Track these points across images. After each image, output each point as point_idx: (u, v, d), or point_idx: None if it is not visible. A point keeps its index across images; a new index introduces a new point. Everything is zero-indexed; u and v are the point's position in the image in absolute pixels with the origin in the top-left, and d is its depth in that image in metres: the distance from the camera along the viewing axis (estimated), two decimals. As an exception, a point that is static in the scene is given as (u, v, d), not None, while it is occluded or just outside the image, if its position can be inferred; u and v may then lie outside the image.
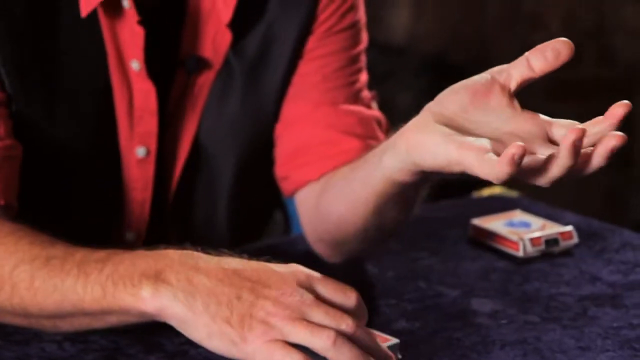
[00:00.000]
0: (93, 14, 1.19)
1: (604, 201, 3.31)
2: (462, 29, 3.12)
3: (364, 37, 1.32)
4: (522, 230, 1.30)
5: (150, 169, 1.25)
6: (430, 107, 0.99)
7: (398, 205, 1.12)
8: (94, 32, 1.20)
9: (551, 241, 1.28)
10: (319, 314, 0.93)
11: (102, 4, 1.18)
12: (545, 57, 0.97)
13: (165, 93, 1.25)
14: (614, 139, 0.94)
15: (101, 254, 1.01)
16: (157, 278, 0.96)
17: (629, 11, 3.24)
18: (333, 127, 1.27)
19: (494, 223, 1.32)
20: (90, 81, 1.21)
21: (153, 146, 1.24)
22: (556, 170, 0.93)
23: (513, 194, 1.52)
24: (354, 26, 1.30)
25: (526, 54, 0.98)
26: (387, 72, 2.82)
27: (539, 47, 0.97)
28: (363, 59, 1.32)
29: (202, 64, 1.25)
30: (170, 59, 1.25)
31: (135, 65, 1.21)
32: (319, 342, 0.91)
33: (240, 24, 1.25)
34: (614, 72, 3.27)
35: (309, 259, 1.25)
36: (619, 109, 0.96)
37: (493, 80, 0.98)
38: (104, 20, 1.19)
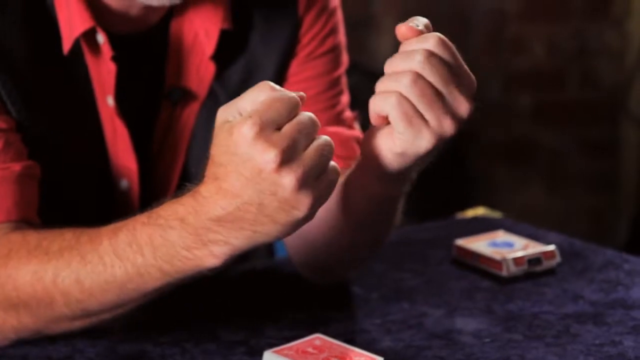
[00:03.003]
0: (78, 50, 1.20)
1: (589, 224, 3.32)
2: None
3: (345, 59, 1.34)
4: (505, 250, 1.31)
5: (133, 202, 1.26)
6: None
7: (380, 220, 1.14)
8: (80, 67, 1.21)
9: (534, 260, 1.29)
10: (303, 137, 0.95)
11: (84, 40, 1.20)
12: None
13: (151, 126, 1.26)
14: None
15: (125, 234, 1.03)
16: (204, 243, 0.98)
17: (611, 34, 3.27)
18: None
19: (478, 243, 1.33)
20: (83, 114, 1.23)
21: (134, 180, 1.25)
22: None
23: (496, 215, 1.54)
24: (335, 49, 1.32)
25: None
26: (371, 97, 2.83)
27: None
28: (344, 81, 1.34)
29: (187, 96, 1.26)
30: (154, 92, 1.26)
31: (110, 101, 1.22)
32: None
33: (223, 55, 1.26)
34: (597, 94, 3.29)
35: (295, 281, 1.26)
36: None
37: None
38: (87, 55, 1.21)
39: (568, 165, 3.30)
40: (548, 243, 1.34)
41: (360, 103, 1.39)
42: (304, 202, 0.94)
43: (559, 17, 3.24)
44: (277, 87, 0.97)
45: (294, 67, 1.30)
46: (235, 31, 1.26)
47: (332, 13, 1.32)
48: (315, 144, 0.95)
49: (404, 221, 1.28)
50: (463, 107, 1.03)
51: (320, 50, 1.30)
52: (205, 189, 0.98)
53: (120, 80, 1.21)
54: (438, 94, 1.01)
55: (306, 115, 0.96)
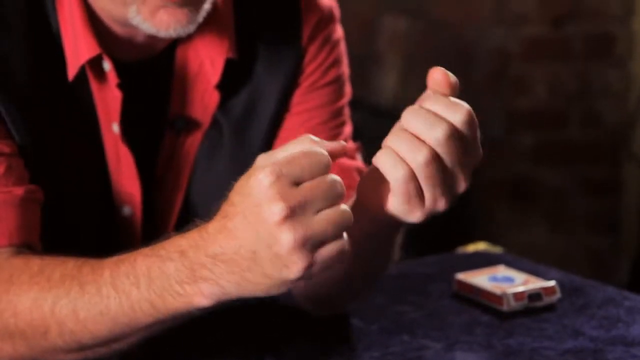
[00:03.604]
0: (83, 77, 1.21)
1: (590, 264, 3.32)
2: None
3: (348, 90, 1.35)
4: (505, 285, 1.31)
5: (136, 228, 1.26)
6: None
7: (376, 254, 1.14)
8: (85, 94, 1.22)
9: (534, 296, 1.29)
10: (318, 200, 0.93)
11: (89, 67, 1.20)
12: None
13: (154, 153, 1.26)
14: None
15: (126, 266, 1.02)
16: (195, 279, 0.97)
17: (613, 75, 3.28)
18: None
19: (478, 278, 1.33)
20: (86, 140, 1.23)
21: (137, 207, 1.25)
22: None
23: (497, 250, 1.54)
24: (338, 80, 1.33)
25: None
26: (376, 134, 2.84)
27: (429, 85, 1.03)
28: (347, 112, 1.34)
29: (191, 124, 1.27)
30: (159, 120, 1.27)
31: (115, 128, 1.23)
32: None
33: (227, 84, 1.27)
34: (599, 135, 3.30)
35: (295, 313, 1.26)
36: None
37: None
38: (92, 82, 1.21)
39: (569, 204, 3.30)
40: (548, 279, 1.34)
41: (363, 138, 1.40)
42: (297, 264, 0.92)
43: (562, 57, 3.25)
44: (317, 140, 0.96)
45: (297, 97, 1.30)
46: (240, 61, 1.27)
47: (335, 44, 1.33)
48: (330, 210, 0.93)
49: (405, 255, 1.28)
50: (462, 185, 1.02)
51: (324, 80, 1.31)
52: (212, 226, 0.97)
53: (125, 107, 1.22)
54: (445, 172, 1.01)
55: (331, 178, 0.94)
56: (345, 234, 0.94)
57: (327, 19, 1.33)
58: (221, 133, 1.28)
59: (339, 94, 1.34)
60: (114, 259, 1.05)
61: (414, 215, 1.01)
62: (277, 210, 0.92)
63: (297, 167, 0.93)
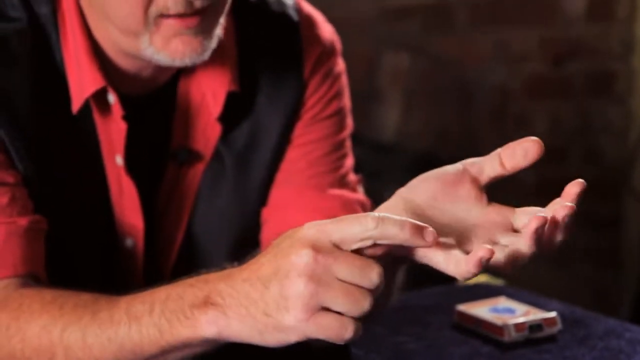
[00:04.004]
0: (87, 109, 1.22)
1: (592, 300, 3.31)
2: (450, 127, 3.16)
3: (349, 122, 1.35)
4: (506, 316, 1.31)
5: (138, 260, 1.26)
6: (401, 193, 1.00)
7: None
8: (89, 126, 1.22)
9: (535, 327, 1.29)
10: (345, 271, 0.90)
11: (93, 99, 1.21)
12: (514, 155, 0.99)
13: (156, 185, 1.27)
14: (563, 209, 0.96)
15: (145, 295, 1.02)
16: (206, 304, 0.96)
17: (614, 112, 3.29)
18: (317, 211, 1.29)
19: (479, 309, 1.33)
20: (90, 172, 1.24)
21: (140, 239, 1.25)
22: (519, 258, 0.95)
23: (498, 282, 1.54)
24: (339, 113, 1.33)
25: (498, 150, 1.00)
26: (377, 169, 2.85)
27: (510, 144, 0.99)
28: (348, 144, 1.35)
29: (193, 156, 1.27)
30: (161, 151, 1.27)
31: (119, 160, 1.23)
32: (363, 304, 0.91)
33: (229, 116, 1.28)
34: (600, 171, 3.30)
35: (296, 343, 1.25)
36: (574, 187, 0.98)
37: (465, 171, 1.00)
38: (96, 114, 1.22)
39: (571, 239, 3.29)
40: (549, 310, 1.34)
41: (365, 173, 1.41)
42: (296, 312, 0.91)
43: (562, 94, 3.26)
44: (381, 215, 0.91)
45: (299, 129, 1.31)
46: (242, 93, 1.28)
47: (337, 77, 1.34)
48: (352, 287, 0.90)
49: (405, 287, 1.28)
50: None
51: (325, 113, 1.32)
52: (246, 263, 0.97)
53: (128, 139, 1.22)
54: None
55: (373, 262, 0.91)
56: (355, 325, 0.92)
57: (328, 52, 1.34)
58: (223, 165, 1.29)
59: (341, 126, 1.34)
60: (133, 293, 1.04)
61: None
62: (304, 254, 0.91)
63: (340, 226, 0.91)
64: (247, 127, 1.29)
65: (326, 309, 0.91)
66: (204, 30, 1.17)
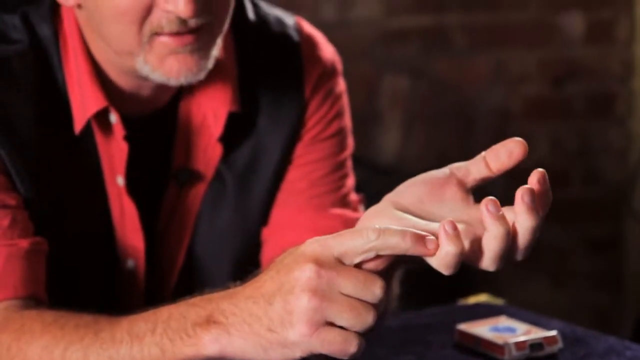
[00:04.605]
0: (88, 130, 1.22)
1: (593, 321, 3.31)
2: (450, 149, 3.17)
3: (350, 142, 1.35)
4: (507, 334, 1.31)
5: (139, 281, 1.27)
6: (389, 197, 1.00)
7: None
8: (90, 147, 1.23)
9: (536, 346, 1.29)
10: (348, 285, 0.91)
11: (95, 120, 1.22)
12: (499, 156, 0.99)
13: (157, 205, 1.27)
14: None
15: (147, 315, 1.02)
16: (209, 323, 0.96)
17: (614, 133, 3.29)
18: (318, 231, 1.28)
19: (480, 328, 1.33)
20: (91, 193, 1.24)
21: (141, 260, 1.25)
22: (522, 239, 0.95)
23: (499, 301, 1.54)
24: (340, 133, 1.34)
25: (483, 153, 1.00)
26: (377, 191, 2.85)
27: (494, 147, 0.99)
28: (349, 164, 1.35)
29: (194, 177, 1.28)
30: (162, 172, 1.27)
31: (120, 180, 1.23)
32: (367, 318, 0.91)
33: (230, 137, 1.28)
34: (600, 192, 3.30)
35: None
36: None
37: (451, 174, 1.00)
38: (97, 135, 1.22)
39: (572, 261, 3.30)
40: (550, 329, 1.34)
41: (366, 196, 1.41)
42: (300, 327, 0.91)
43: (562, 115, 3.27)
44: (382, 227, 0.92)
45: (300, 149, 1.31)
46: (243, 113, 1.28)
47: (338, 97, 1.34)
48: (356, 301, 0.91)
49: (406, 306, 1.28)
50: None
51: (326, 133, 1.32)
52: (251, 280, 0.97)
53: (130, 160, 1.23)
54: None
55: (376, 277, 0.92)
56: (359, 340, 0.92)
57: (329, 72, 1.34)
58: (224, 185, 1.29)
59: (342, 146, 1.34)
60: (135, 314, 1.04)
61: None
62: (307, 269, 0.91)
63: (342, 240, 0.92)
64: (248, 147, 1.29)
65: (330, 324, 0.91)
66: (200, 48, 1.17)
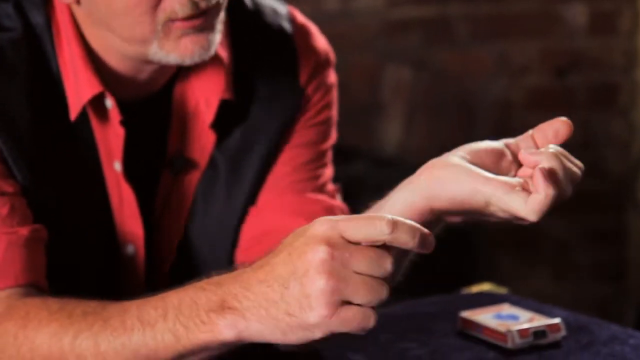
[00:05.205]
0: (84, 117, 1.22)
1: (596, 313, 3.30)
2: (452, 141, 3.16)
3: (334, 134, 1.37)
4: (510, 322, 1.31)
5: (139, 267, 1.27)
6: (465, 149, 1.06)
7: None
8: (87, 133, 1.23)
9: (539, 333, 1.29)
10: (361, 264, 0.93)
11: (90, 106, 1.21)
12: (546, 135, 1.07)
13: (152, 193, 1.27)
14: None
15: (155, 301, 1.02)
16: (223, 308, 0.97)
17: (617, 125, 3.29)
18: (300, 214, 1.30)
19: (483, 315, 1.33)
20: (89, 179, 1.24)
21: (140, 246, 1.26)
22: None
23: (502, 290, 1.53)
24: (327, 122, 1.35)
25: (530, 131, 1.07)
26: (379, 183, 2.85)
27: (541, 125, 1.07)
28: (330, 155, 1.36)
29: (189, 165, 1.28)
30: (157, 158, 1.27)
31: (117, 166, 1.23)
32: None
33: (223, 124, 1.28)
34: (603, 184, 3.30)
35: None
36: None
37: (506, 147, 1.08)
38: (93, 121, 1.22)
39: (574, 254, 3.29)
40: (553, 317, 1.34)
41: (367, 187, 1.41)
42: (320, 310, 0.92)
43: (565, 107, 3.27)
44: (395, 219, 0.94)
45: (290, 132, 1.32)
46: (237, 101, 1.28)
47: (329, 88, 1.35)
48: (369, 278, 0.93)
49: (409, 294, 1.28)
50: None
51: (315, 120, 1.33)
52: (257, 262, 0.98)
53: (126, 145, 1.23)
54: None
55: (385, 253, 0.94)
56: (374, 313, 0.94)
57: (323, 63, 1.35)
58: (218, 171, 1.29)
59: (326, 135, 1.36)
60: (143, 298, 1.04)
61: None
62: (320, 251, 0.92)
63: (354, 226, 0.93)
64: (242, 134, 1.30)
65: (347, 302, 0.93)
66: (207, 25, 1.18)
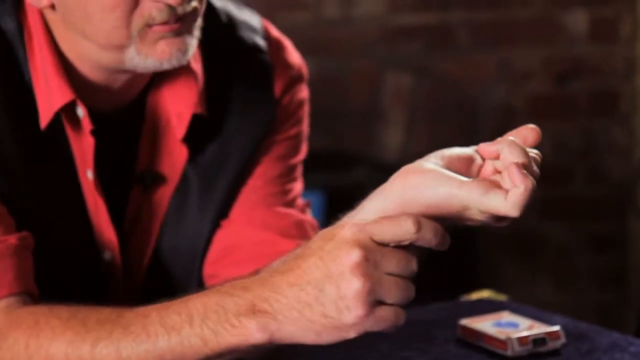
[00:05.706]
0: (59, 124, 1.21)
1: (597, 319, 3.31)
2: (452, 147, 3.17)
3: (304, 149, 1.37)
4: (510, 330, 1.31)
5: (117, 272, 1.27)
6: (438, 155, 1.05)
7: None
8: (61, 141, 1.22)
9: (539, 341, 1.29)
10: (392, 265, 0.97)
11: (64, 113, 1.21)
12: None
13: (122, 206, 1.27)
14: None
15: (177, 306, 1.03)
16: (253, 312, 0.99)
17: (617, 131, 3.29)
18: (269, 227, 1.30)
19: (482, 323, 1.33)
20: (65, 187, 1.24)
21: (116, 253, 1.26)
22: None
23: (501, 297, 1.53)
24: (298, 137, 1.35)
25: (498, 139, 1.05)
26: (380, 189, 2.85)
27: (509, 133, 1.06)
28: (300, 170, 1.36)
29: (159, 180, 1.27)
30: (127, 172, 1.27)
31: (90, 174, 1.23)
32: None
33: (196, 138, 1.28)
34: (604, 190, 3.30)
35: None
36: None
37: (475, 153, 1.07)
38: (68, 129, 1.22)
39: (576, 260, 3.29)
40: (553, 324, 1.34)
41: (368, 194, 1.41)
42: (357, 310, 0.96)
43: (566, 113, 3.27)
44: (419, 219, 0.98)
45: (262, 147, 1.32)
46: (209, 115, 1.28)
47: (302, 102, 1.35)
48: (399, 278, 0.98)
49: (409, 303, 1.28)
50: None
51: (287, 134, 1.33)
52: (284, 266, 1.00)
53: (98, 155, 1.22)
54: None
55: (411, 255, 0.99)
56: (404, 312, 0.99)
57: (297, 77, 1.35)
58: (190, 188, 1.29)
59: (297, 150, 1.36)
60: (158, 304, 1.05)
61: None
62: (354, 254, 0.96)
63: (382, 228, 0.97)
64: (215, 149, 1.29)
65: (379, 302, 0.97)
66: (185, 31, 1.18)
